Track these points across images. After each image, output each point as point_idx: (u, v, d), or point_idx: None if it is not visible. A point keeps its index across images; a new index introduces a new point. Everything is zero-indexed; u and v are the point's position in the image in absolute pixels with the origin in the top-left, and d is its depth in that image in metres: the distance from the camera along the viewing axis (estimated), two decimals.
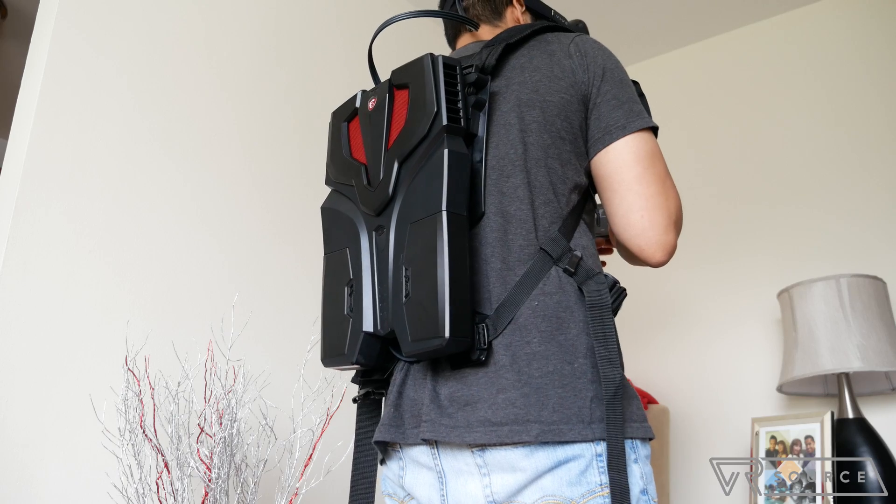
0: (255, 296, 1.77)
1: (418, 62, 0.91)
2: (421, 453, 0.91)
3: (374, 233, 0.93)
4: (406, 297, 0.85)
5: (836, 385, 2.09)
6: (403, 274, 0.86)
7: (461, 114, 0.89)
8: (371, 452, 1.00)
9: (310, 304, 1.86)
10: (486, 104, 0.94)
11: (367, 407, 1.01)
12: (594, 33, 1.18)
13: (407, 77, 0.92)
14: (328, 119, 2.00)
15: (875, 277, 2.03)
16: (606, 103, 0.97)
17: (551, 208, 0.93)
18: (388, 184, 0.91)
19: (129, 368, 1.29)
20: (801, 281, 2.07)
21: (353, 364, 0.92)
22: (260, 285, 1.80)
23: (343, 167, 0.99)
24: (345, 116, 1.02)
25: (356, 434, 1.01)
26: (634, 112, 0.97)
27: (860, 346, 1.91)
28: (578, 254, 0.93)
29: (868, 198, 2.33)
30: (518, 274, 0.90)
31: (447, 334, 0.79)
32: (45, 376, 1.36)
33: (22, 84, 1.50)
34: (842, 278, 2.00)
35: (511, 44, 0.99)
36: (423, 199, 0.86)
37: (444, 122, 0.86)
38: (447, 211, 0.83)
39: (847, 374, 1.99)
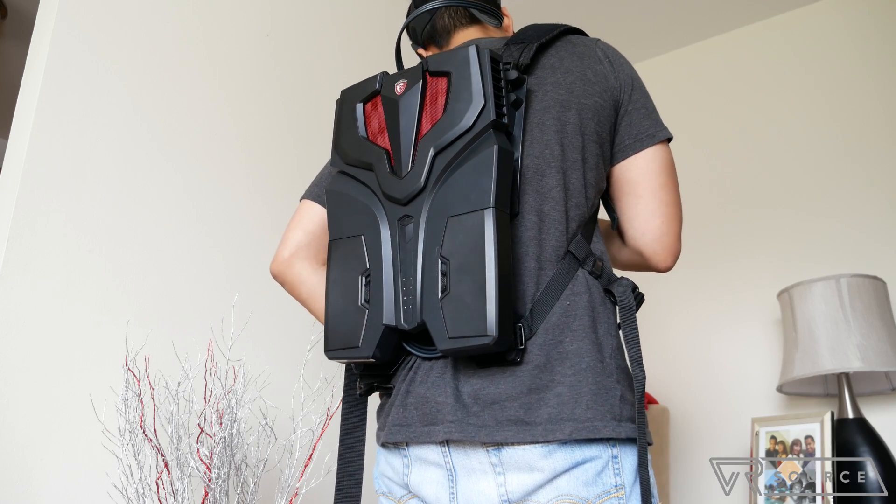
0: (255, 296, 1.77)
1: (462, 51, 0.88)
2: (430, 451, 0.90)
3: (397, 222, 0.89)
4: (443, 292, 0.83)
5: (836, 385, 2.09)
6: (439, 268, 0.83)
7: (504, 110, 0.88)
8: (357, 448, 0.99)
9: None
10: (524, 103, 0.93)
11: (354, 402, 1.00)
12: (593, 33, 1.17)
13: (447, 65, 0.89)
14: (327, 120, 2.00)
15: (875, 277, 2.03)
16: (637, 111, 1.00)
17: (580, 211, 0.94)
18: (421, 173, 0.87)
19: (129, 368, 1.29)
20: (801, 281, 2.07)
21: (367, 358, 0.88)
22: (260, 285, 1.80)
23: (359, 150, 0.94)
24: (361, 97, 0.97)
25: (342, 429, 0.99)
26: (660, 123, 1.01)
27: (860, 346, 1.91)
28: (602, 258, 0.96)
29: (868, 198, 2.33)
30: (548, 274, 0.90)
31: (495, 333, 0.78)
32: (45, 376, 1.36)
33: (22, 84, 1.50)
34: (842, 278, 2.00)
35: (543, 43, 0.98)
36: (466, 193, 0.84)
37: (493, 116, 0.85)
38: (494, 208, 0.81)
39: (847, 374, 1.99)
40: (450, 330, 0.81)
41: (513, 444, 0.84)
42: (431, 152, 0.87)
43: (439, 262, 0.84)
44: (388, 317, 0.87)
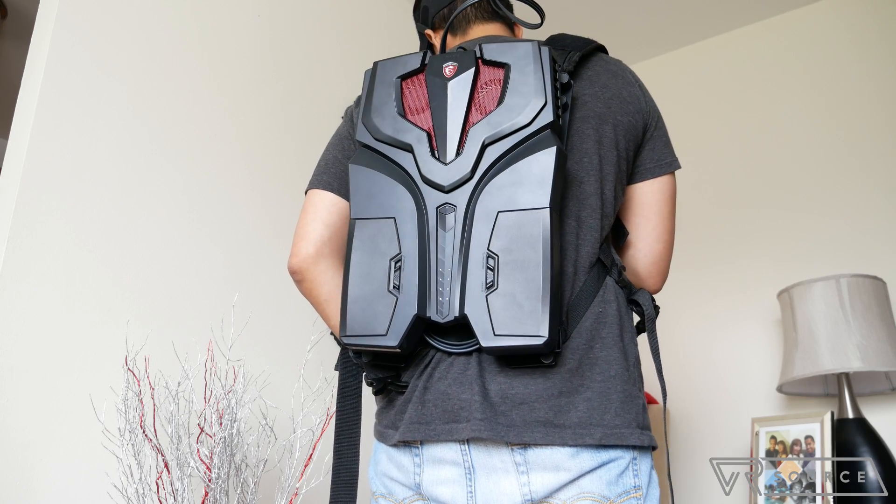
0: (255, 296, 1.77)
1: (523, 45, 0.88)
2: (447, 449, 0.88)
3: (436, 209, 0.86)
4: (489, 287, 0.81)
5: (836, 385, 2.09)
6: (485, 262, 0.82)
7: (560, 111, 0.87)
8: (354, 442, 0.97)
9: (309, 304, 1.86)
10: (569, 108, 0.92)
11: (351, 394, 0.99)
12: (592, 34, 1.17)
13: (505, 56, 0.88)
14: (327, 119, 1.99)
15: (875, 277, 2.03)
16: (660, 139, 1.04)
17: (608, 221, 0.96)
18: (469, 162, 0.85)
19: (129, 368, 1.29)
20: (801, 281, 2.07)
21: (392, 348, 0.84)
22: (260, 285, 1.80)
23: (394, 127, 0.90)
24: (401, 72, 0.92)
25: (338, 423, 0.98)
26: (674, 154, 1.06)
27: (860, 346, 1.91)
28: (623, 267, 0.98)
29: (868, 198, 2.33)
30: (581, 280, 0.91)
31: (547, 334, 0.78)
32: (45, 376, 1.36)
33: (22, 84, 1.50)
34: (842, 278, 1.99)
35: (584, 54, 0.98)
36: (522, 190, 0.82)
37: (552, 117, 0.84)
38: (551, 208, 0.81)
39: (847, 374, 1.99)
40: (496, 327, 0.80)
41: (541, 444, 0.84)
42: (483, 142, 0.85)
43: (486, 256, 0.82)
44: (420, 306, 0.84)
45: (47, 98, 1.45)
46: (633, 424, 0.87)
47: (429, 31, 1.16)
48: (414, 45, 1.41)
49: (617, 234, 1.06)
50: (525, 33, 1.18)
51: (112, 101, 1.57)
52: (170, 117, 1.69)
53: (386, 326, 0.84)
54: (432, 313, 0.84)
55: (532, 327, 0.78)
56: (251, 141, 1.88)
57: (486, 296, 0.81)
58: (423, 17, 1.16)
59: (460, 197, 0.85)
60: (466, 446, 0.87)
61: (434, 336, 0.88)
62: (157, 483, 1.25)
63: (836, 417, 1.95)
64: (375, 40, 2.33)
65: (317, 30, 2.16)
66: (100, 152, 1.53)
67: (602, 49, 1.05)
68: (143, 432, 1.25)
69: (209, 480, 1.25)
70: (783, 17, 2.68)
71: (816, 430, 1.93)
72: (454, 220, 0.85)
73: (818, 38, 2.58)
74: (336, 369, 1.01)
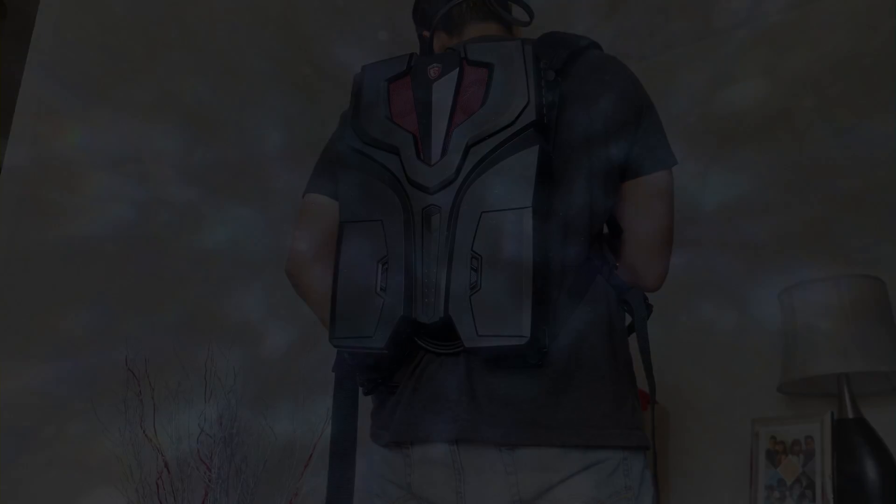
0: (255, 295, 1.77)
1: (506, 45, 0.87)
2: (437, 450, 0.88)
3: (422, 211, 0.86)
4: (473, 287, 0.80)
5: (836, 385, 2.09)
6: (469, 263, 0.81)
7: (545, 110, 0.86)
8: (350, 442, 0.97)
9: None
10: (556, 106, 0.92)
11: (345, 394, 0.98)
12: (596, 31, 1.16)
13: (488, 56, 0.88)
14: (328, 119, 1.99)
15: (875, 277, 2.03)
16: (654, 134, 1.01)
17: (598, 220, 0.95)
18: (453, 164, 0.85)
19: (129, 368, 1.29)
20: (801, 281, 2.07)
21: (380, 349, 0.84)
22: (259, 285, 1.80)
23: (381, 130, 0.90)
24: (388, 75, 0.92)
25: (335, 422, 0.98)
26: (670, 149, 1.03)
27: (860, 346, 1.90)
28: (614, 266, 0.97)
29: (868, 198, 2.32)
30: (570, 279, 0.90)
31: (529, 334, 0.77)
32: (45, 376, 1.36)
33: (22, 84, 1.50)
34: (842, 278, 1.99)
35: (574, 52, 0.97)
36: (504, 191, 0.82)
37: (535, 116, 0.84)
38: (533, 208, 0.81)
39: (847, 374, 1.99)
40: (479, 327, 0.79)
41: (529, 445, 0.84)
42: (466, 143, 0.85)
43: (470, 257, 0.81)
44: (407, 308, 0.83)
45: (47, 98, 1.45)
46: (622, 425, 0.86)
47: (426, 33, 1.16)
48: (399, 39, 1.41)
49: (613, 232, 1.05)
50: (523, 32, 1.17)
51: (112, 101, 1.57)
52: (170, 116, 1.69)
53: (373, 328, 0.84)
54: (419, 315, 0.84)
55: (514, 327, 0.78)
56: (253, 140, 1.88)
57: (470, 296, 0.80)
58: (421, 18, 1.16)
59: (445, 198, 0.85)
60: (455, 447, 0.87)
61: (423, 337, 0.88)
62: (157, 483, 1.25)
63: (836, 417, 1.95)
64: (384, 37, 2.32)
65: (325, 26, 2.16)
66: (100, 151, 1.53)
67: (596, 46, 1.03)
68: (143, 432, 1.25)
69: (209, 480, 1.25)
70: (792, 14, 2.68)
71: (816, 430, 1.93)
72: (439, 222, 0.85)
73: (821, 38, 2.58)
74: (333, 370, 1.01)
